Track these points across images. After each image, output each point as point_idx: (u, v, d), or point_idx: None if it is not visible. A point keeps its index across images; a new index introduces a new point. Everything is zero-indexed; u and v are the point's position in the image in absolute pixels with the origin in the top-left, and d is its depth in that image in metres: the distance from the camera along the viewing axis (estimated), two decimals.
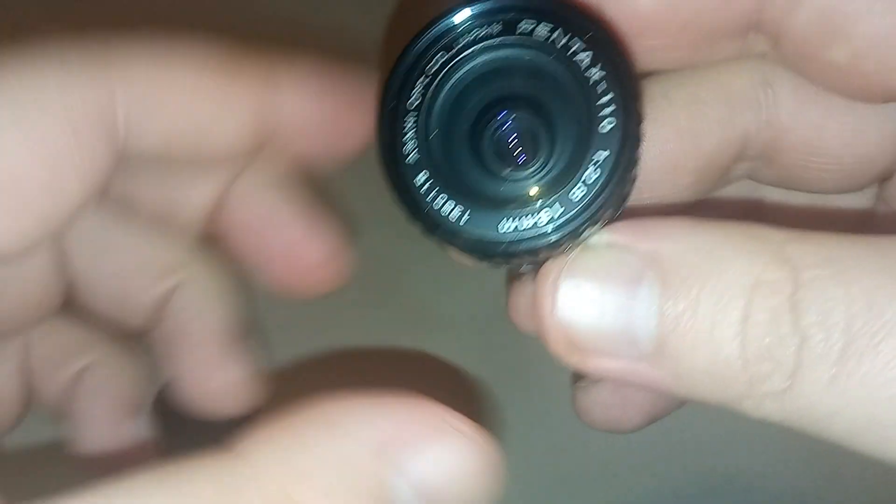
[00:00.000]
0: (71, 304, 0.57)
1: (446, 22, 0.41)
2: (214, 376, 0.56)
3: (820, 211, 0.54)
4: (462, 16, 0.41)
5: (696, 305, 0.38)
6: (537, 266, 0.41)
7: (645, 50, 0.46)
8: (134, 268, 0.56)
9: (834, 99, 0.47)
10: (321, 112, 0.50)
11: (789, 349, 0.36)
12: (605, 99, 0.39)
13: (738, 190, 0.55)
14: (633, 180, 0.40)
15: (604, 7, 0.44)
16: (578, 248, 0.40)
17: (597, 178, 0.39)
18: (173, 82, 0.46)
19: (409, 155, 0.40)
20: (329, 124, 0.50)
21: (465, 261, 0.41)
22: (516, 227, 0.39)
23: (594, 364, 0.41)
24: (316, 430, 0.37)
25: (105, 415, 0.58)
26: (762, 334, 0.37)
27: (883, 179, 0.51)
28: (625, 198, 0.40)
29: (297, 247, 0.55)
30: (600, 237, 0.40)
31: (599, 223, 0.40)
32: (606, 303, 0.39)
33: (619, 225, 0.40)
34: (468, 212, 0.39)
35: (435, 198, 0.40)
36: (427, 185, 0.40)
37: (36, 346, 0.59)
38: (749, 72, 0.48)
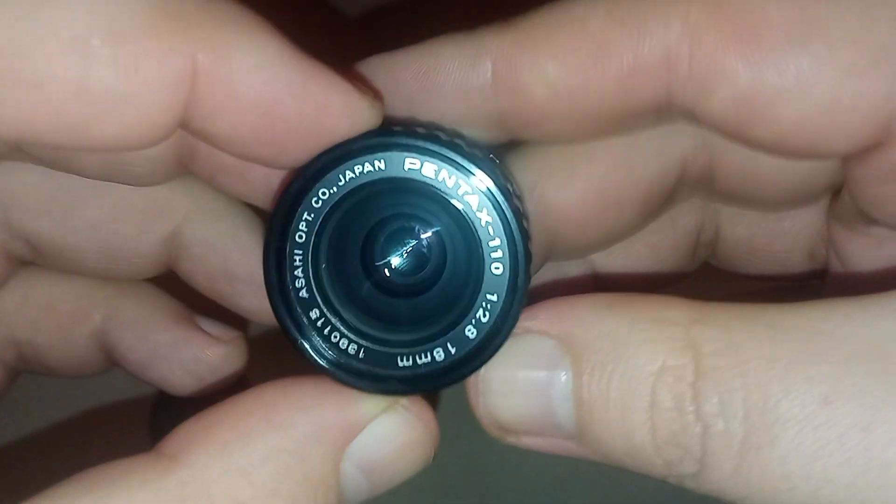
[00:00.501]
0: (69, 269, 0.54)
1: (331, 156, 0.40)
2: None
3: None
4: (345, 152, 0.40)
5: (608, 392, 0.39)
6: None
7: (546, 135, 0.46)
8: (110, 219, 0.52)
9: None
10: (253, 117, 0.39)
11: (694, 437, 0.37)
12: (494, 243, 0.40)
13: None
14: (520, 313, 0.41)
15: (496, 97, 0.44)
16: None
17: (487, 321, 0.40)
18: (39, 55, 0.35)
19: (300, 290, 0.40)
20: (260, 133, 0.40)
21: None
22: (414, 361, 0.40)
23: (527, 443, 0.43)
24: (255, 423, 0.37)
25: (152, 336, 0.56)
26: (669, 421, 0.38)
27: (832, 192, 0.50)
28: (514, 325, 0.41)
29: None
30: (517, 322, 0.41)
31: (492, 358, 0.40)
32: (527, 391, 0.41)
33: (534, 308, 0.42)
34: (364, 347, 0.40)
35: (331, 333, 0.40)
36: (322, 320, 0.40)
37: (10, 321, 0.55)
38: None
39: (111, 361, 0.58)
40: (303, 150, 0.40)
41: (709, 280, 0.58)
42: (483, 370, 0.41)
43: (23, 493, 0.34)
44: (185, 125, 0.39)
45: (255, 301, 0.53)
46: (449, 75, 0.44)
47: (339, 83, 0.40)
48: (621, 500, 0.78)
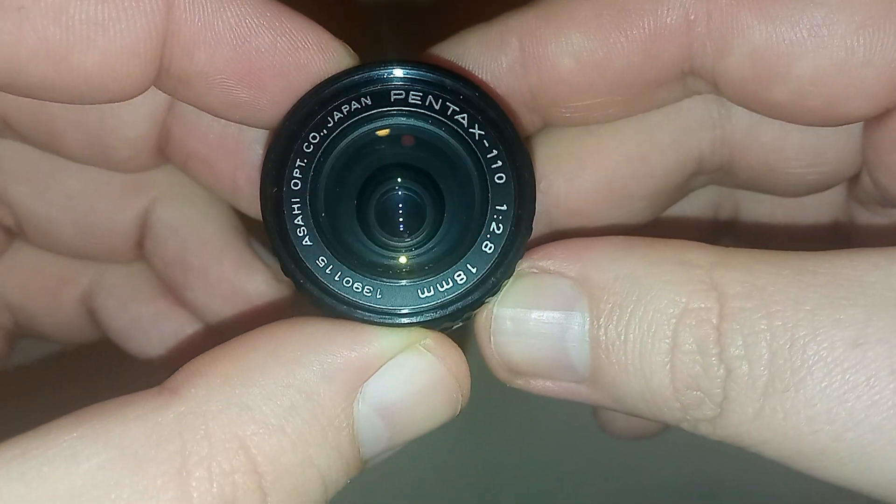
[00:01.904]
0: (45, 242, 0.54)
1: (314, 100, 0.39)
2: (237, 282, 0.52)
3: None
4: (330, 93, 0.39)
5: (626, 334, 0.38)
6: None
7: (576, 111, 0.45)
8: (88, 192, 0.52)
9: None
10: (228, 48, 0.39)
11: (716, 380, 0.36)
12: (491, 154, 0.39)
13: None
14: (534, 213, 0.40)
15: (525, 73, 0.44)
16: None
17: (502, 232, 0.39)
18: None
19: (303, 239, 0.38)
20: (237, 66, 0.40)
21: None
22: (436, 290, 0.38)
23: (536, 387, 0.41)
24: (262, 358, 0.36)
25: (134, 307, 0.55)
26: (690, 363, 0.37)
27: (850, 178, 0.50)
28: (527, 242, 0.40)
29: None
30: (532, 262, 0.40)
31: (513, 274, 0.39)
32: (540, 332, 0.40)
33: (551, 248, 0.40)
34: (380, 287, 0.38)
35: (342, 278, 0.38)
36: (330, 267, 0.38)
37: (1, 285, 0.55)
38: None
39: (100, 329, 0.57)
40: (281, 89, 0.40)
41: None
42: (496, 308, 0.40)
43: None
44: (164, 69, 0.39)
45: (202, 296, 0.53)
46: (478, 61, 0.44)
47: (310, 23, 0.40)
48: (624, 499, 0.76)
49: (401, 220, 0.41)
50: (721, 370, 0.36)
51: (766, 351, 0.35)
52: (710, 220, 0.55)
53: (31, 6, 0.36)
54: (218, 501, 0.32)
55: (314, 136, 0.39)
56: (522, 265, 0.40)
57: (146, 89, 0.40)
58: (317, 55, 0.40)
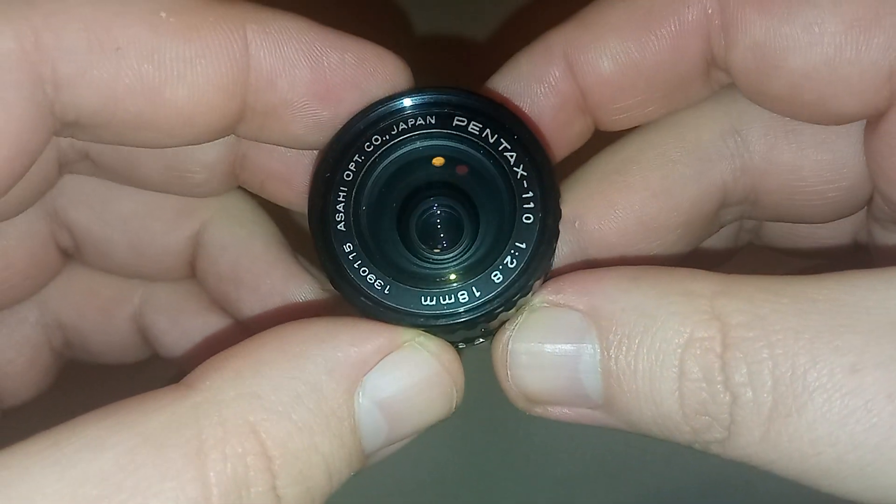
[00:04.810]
0: (100, 262, 0.56)
1: (387, 108, 0.44)
2: (286, 293, 0.55)
3: None
4: (402, 104, 0.44)
5: (636, 363, 0.40)
6: (485, 333, 0.44)
7: (621, 112, 0.48)
8: (143, 214, 0.55)
9: (806, 138, 0.48)
10: (306, 71, 0.44)
11: (723, 406, 0.38)
12: (527, 195, 0.42)
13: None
14: (548, 268, 0.43)
15: (573, 79, 0.47)
16: (523, 310, 0.42)
17: (514, 267, 0.41)
18: (117, 25, 0.41)
19: (338, 223, 0.42)
20: (316, 86, 0.44)
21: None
22: (438, 301, 0.41)
23: (554, 414, 0.43)
24: (270, 353, 0.39)
25: (184, 321, 0.58)
26: (697, 391, 0.38)
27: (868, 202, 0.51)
28: (541, 279, 0.43)
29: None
30: (543, 296, 0.42)
31: (513, 308, 0.42)
32: (554, 364, 0.42)
33: (561, 281, 0.42)
34: (390, 285, 0.42)
35: (360, 267, 0.42)
36: (353, 254, 0.42)
37: (56, 305, 0.58)
38: (717, 122, 0.49)
39: (149, 346, 0.60)
40: (356, 99, 0.44)
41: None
42: (511, 343, 0.42)
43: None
44: (250, 107, 0.43)
45: (255, 310, 0.55)
46: (531, 76, 0.48)
47: (361, 39, 0.45)
48: (624, 498, 0.78)
49: (435, 233, 0.45)
50: (727, 396, 0.38)
51: (769, 378, 0.37)
52: (732, 236, 0.56)
53: (127, 46, 0.40)
54: (232, 481, 0.35)
55: (377, 138, 0.44)
56: (535, 299, 0.42)
57: (230, 128, 0.44)
58: (379, 65, 0.45)
